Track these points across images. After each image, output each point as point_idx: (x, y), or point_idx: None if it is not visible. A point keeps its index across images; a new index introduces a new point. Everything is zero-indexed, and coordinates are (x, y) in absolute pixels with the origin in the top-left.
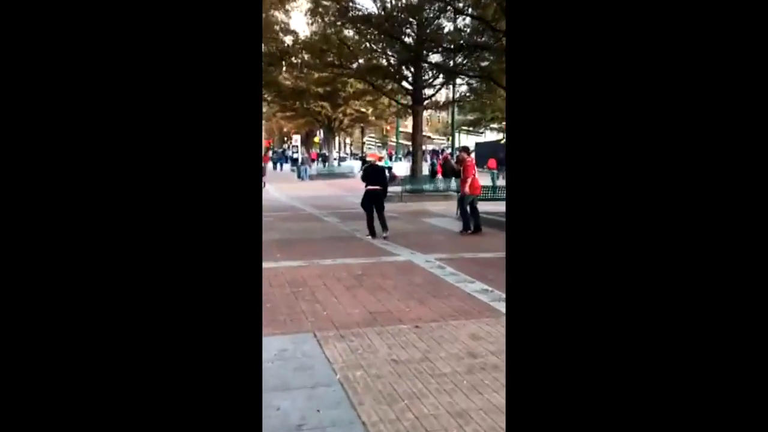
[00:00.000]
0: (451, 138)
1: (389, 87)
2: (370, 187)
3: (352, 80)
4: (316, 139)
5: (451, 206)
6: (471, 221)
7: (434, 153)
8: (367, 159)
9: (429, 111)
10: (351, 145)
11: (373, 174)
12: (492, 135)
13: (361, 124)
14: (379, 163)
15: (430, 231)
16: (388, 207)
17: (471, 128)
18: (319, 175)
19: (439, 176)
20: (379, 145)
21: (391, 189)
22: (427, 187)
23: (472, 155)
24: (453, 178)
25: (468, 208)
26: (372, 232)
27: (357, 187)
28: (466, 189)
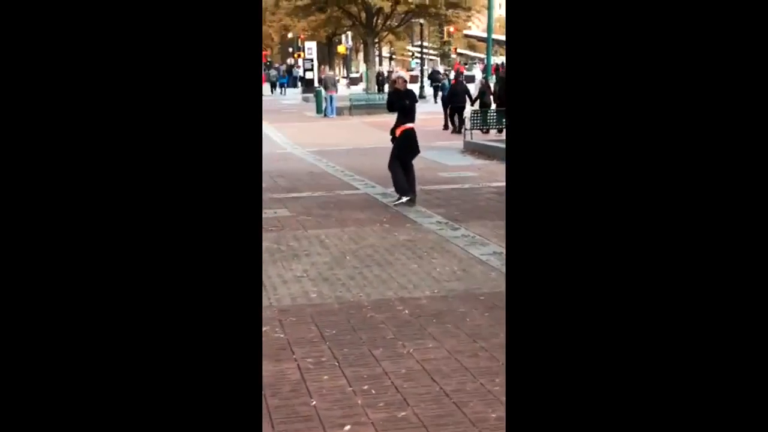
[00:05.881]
0: None
1: None
2: (404, 125)
3: None
4: (342, 48)
5: None
6: None
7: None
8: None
9: None
10: (391, 58)
11: (407, 102)
12: None
13: (420, 21)
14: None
15: None
16: None
17: None
18: (354, 108)
19: None
20: (431, 58)
21: None
22: None
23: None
24: None
25: None
26: (405, 192)
27: (422, 129)
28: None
